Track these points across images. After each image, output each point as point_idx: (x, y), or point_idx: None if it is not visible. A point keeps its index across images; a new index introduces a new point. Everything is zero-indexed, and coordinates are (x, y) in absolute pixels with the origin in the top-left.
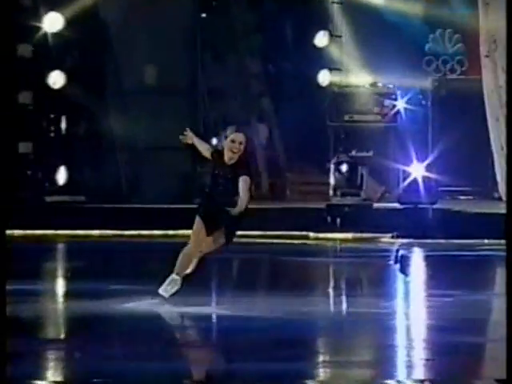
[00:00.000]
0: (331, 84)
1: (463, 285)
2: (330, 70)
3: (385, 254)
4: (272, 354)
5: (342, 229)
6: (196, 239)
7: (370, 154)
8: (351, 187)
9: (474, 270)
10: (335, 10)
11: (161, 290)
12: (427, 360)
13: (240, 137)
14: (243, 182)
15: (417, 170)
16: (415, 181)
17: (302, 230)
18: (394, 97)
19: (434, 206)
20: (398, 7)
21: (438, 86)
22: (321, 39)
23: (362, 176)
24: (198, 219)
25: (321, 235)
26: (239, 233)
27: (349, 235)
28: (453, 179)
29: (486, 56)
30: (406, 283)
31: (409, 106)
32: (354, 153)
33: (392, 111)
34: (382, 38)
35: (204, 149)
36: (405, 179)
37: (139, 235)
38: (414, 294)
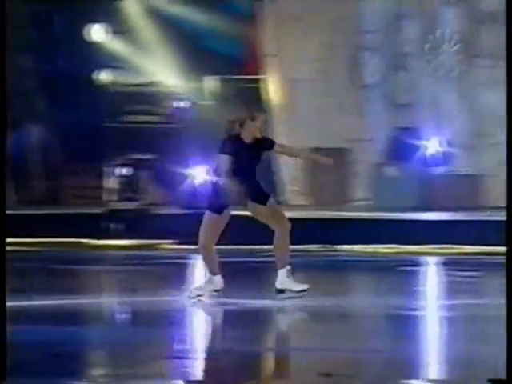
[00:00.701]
0: (110, 82)
1: (247, 292)
2: (110, 67)
3: (166, 262)
4: (44, 368)
5: (122, 235)
6: (205, 233)
7: (152, 156)
8: (130, 191)
9: (260, 277)
10: (116, 4)
11: (195, 289)
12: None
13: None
14: (280, 145)
15: (201, 174)
16: (199, 184)
17: (77, 237)
18: (177, 97)
19: None
20: (181, 7)
21: (222, 87)
22: (96, 33)
23: (141, 180)
24: (210, 215)
25: (98, 242)
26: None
27: (128, 242)
28: None
29: (274, 55)
30: (187, 291)
31: (193, 107)
32: (134, 155)
33: (175, 112)
34: (167, 36)
35: (225, 166)
36: (188, 183)
37: None
38: (196, 302)
